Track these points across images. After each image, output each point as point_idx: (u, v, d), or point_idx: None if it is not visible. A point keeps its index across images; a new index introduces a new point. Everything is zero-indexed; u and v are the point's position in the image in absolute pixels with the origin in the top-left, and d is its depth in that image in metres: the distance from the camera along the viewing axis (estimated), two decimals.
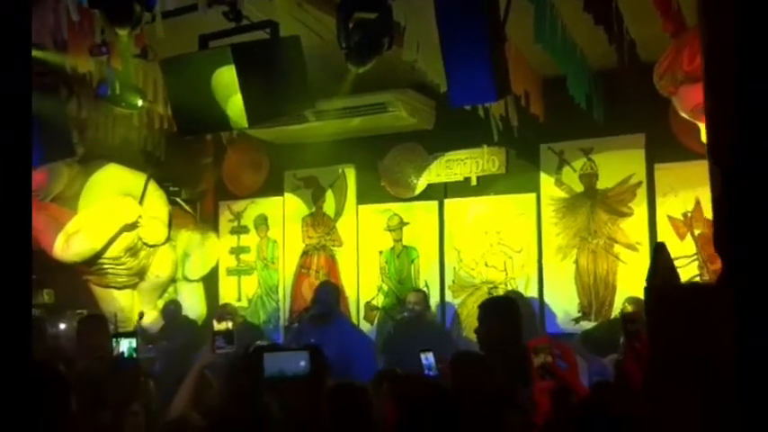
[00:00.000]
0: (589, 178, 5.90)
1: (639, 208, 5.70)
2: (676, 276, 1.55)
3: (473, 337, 6.17)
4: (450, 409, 2.19)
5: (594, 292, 5.79)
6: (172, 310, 6.91)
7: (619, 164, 5.78)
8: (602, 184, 5.85)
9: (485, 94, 3.57)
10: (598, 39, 4.27)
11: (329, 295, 5.50)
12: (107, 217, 6.81)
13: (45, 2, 4.01)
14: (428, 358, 3.15)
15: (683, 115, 4.52)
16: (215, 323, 2.83)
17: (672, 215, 5.58)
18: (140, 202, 7.06)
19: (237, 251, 7.49)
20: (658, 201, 5.64)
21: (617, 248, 5.73)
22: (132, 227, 6.95)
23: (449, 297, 6.37)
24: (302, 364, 2.07)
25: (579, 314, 5.82)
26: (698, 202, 5.39)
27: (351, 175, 6.95)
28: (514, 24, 3.72)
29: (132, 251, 7.05)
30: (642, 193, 5.70)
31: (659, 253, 1.52)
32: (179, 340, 6.32)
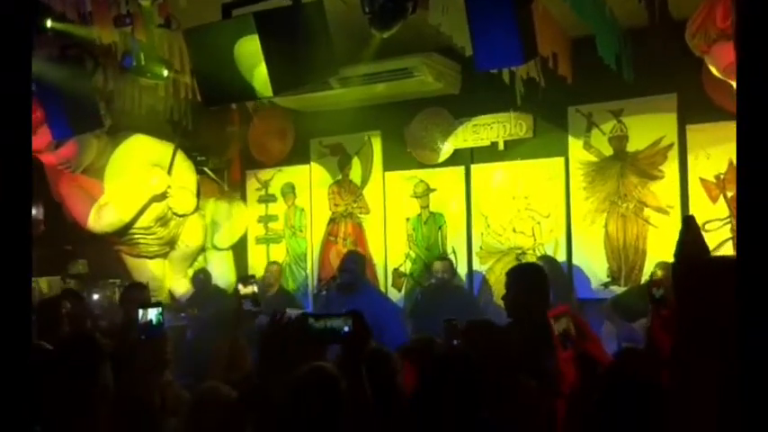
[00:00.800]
0: (619, 141, 5.80)
1: (670, 170, 5.59)
2: (705, 250, 1.51)
3: (501, 303, 6.22)
4: (468, 376, 2.20)
5: (624, 257, 5.73)
6: (201, 279, 7.01)
7: (649, 125, 5.67)
8: (633, 146, 5.74)
9: (511, 56, 3.51)
10: None
11: (356, 264, 5.51)
12: (136, 187, 6.89)
13: None
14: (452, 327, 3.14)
15: (717, 74, 4.40)
16: (240, 287, 2.86)
17: (704, 177, 5.47)
18: (169, 172, 7.13)
19: (265, 219, 7.55)
20: (690, 163, 5.53)
21: (647, 212, 5.65)
22: (161, 197, 7.03)
23: (476, 263, 6.35)
24: (346, 329, 2.10)
25: (609, 279, 5.77)
26: (731, 164, 5.26)
27: (377, 141, 6.92)
28: None
29: (162, 221, 7.14)
30: (673, 155, 5.59)
31: (688, 226, 1.48)
32: (209, 308, 6.42)
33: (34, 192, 7.76)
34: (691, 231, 1.50)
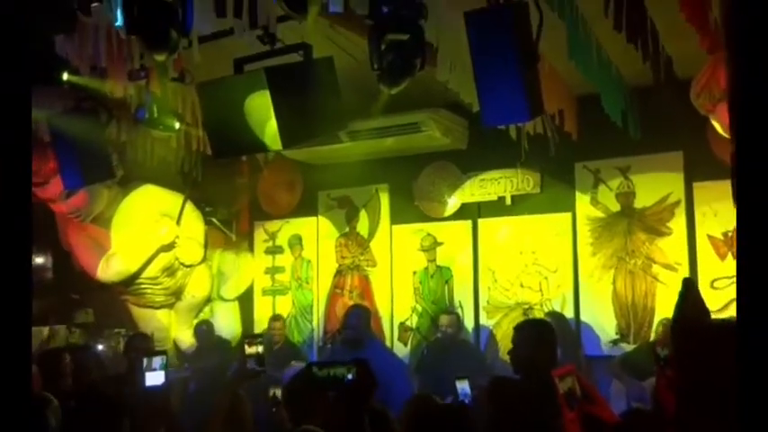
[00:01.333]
0: (626, 197, 5.82)
1: (678, 227, 5.59)
2: (705, 312, 1.50)
3: (508, 358, 6.13)
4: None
5: (633, 314, 5.68)
6: (204, 331, 6.97)
7: (656, 182, 5.69)
8: (640, 202, 5.75)
9: (517, 113, 3.54)
10: (633, 55, 4.22)
11: (359, 319, 5.43)
12: (145, 238, 6.93)
13: (84, 30, 4.11)
14: (464, 386, 3.11)
15: (722, 132, 4.44)
16: (246, 347, 2.82)
17: (712, 234, 5.45)
18: (177, 223, 7.17)
19: (272, 271, 7.54)
20: (698, 220, 5.53)
21: (655, 269, 5.62)
22: (169, 247, 7.06)
23: (483, 318, 6.30)
24: (349, 377, 2.07)
25: (617, 336, 5.71)
26: None
27: (384, 195, 6.96)
28: (548, 42, 3.70)
29: (169, 271, 7.15)
30: (681, 211, 5.59)
31: (687, 288, 1.48)
32: (213, 360, 6.37)
33: (43, 240, 7.84)
34: (690, 294, 1.49)
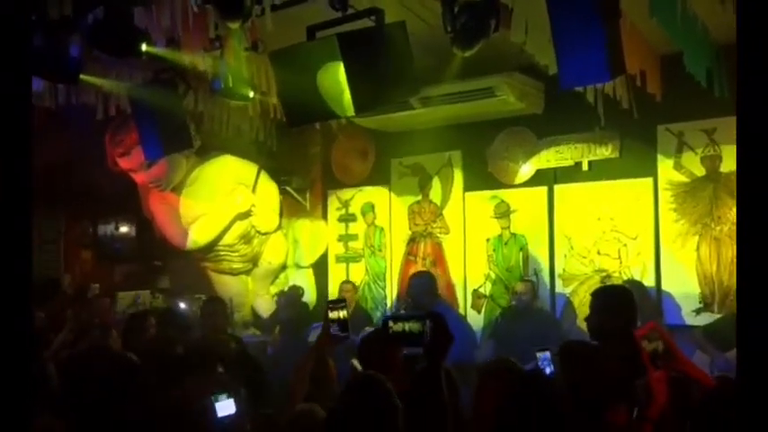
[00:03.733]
0: (712, 161, 5.55)
1: None
2: None
3: (584, 327, 6.01)
4: (551, 403, 2.11)
5: (717, 282, 5.45)
6: (293, 295, 7.07)
7: None
8: (726, 166, 5.47)
9: (597, 74, 3.42)
10: (722, 8, 3.98)
11: (419, 288, 5.42)
12: (222, 206, 7.11)
13: (161, 1, 4.18)
14: (545, 356, 3.06)
15: None
16: (329, 312, 2.82)
17: None
18: (253, 191, 7.32)
19: (345, 238, 7.61)
20: None
21: None
22: (246, 215, 7.22)
23: (559, 286, 6.19)
24: (425, 331, 2.05)
25: (701, 305, 5.50)
26: None
27: (457, 161, 6.88)
28: None
29: (246, 238, 7.33)
30: None
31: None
32: (290, 313, 6.49)
33: (127, 209, 8.13)
34: None
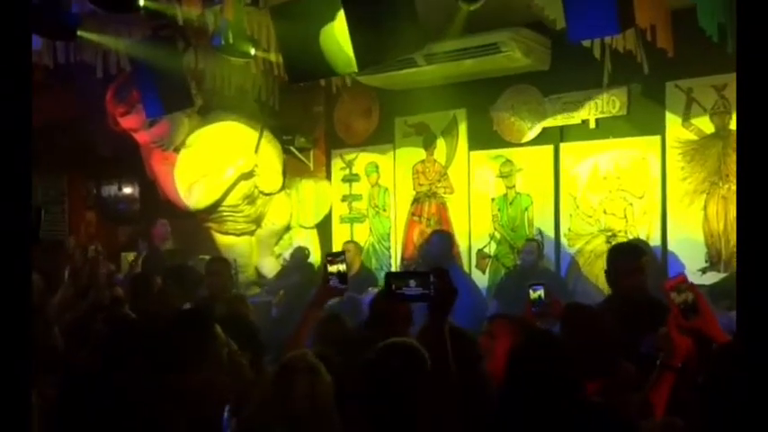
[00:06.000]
0: (721, 117, 5.45)
1: None
2: None
3: (590, 286, 5.99)
4: (566, 355, 2.10)
5: (724, 241, 5.40)
6: (301, 256, 7.07)
7: None
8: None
9: (606, 26, 3.34)
10: None
11: (439, 246, 5.42)
12: (225, 166, 7.05)
13: None
14: (537, 290, 3.06)
15: None
16: (328, 265, 2.81)
17: None
18: (256, 152, 7.26)
19: (349, 199, 7.57)
20: None
21: None
22: (249, 175, 7.18)
23: (564, 245, 6.16)
24: (429, 287, 2.03)
25: (707, 264, 5.47)
26: None
27: (462, 120, 6.80)
28: None
29: (249, 199, 7.30)
30: None
31: None
32: (296, 278, 6.51)
33: (130, 170, 8.09)
34: None
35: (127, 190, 8.72)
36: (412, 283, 2.05)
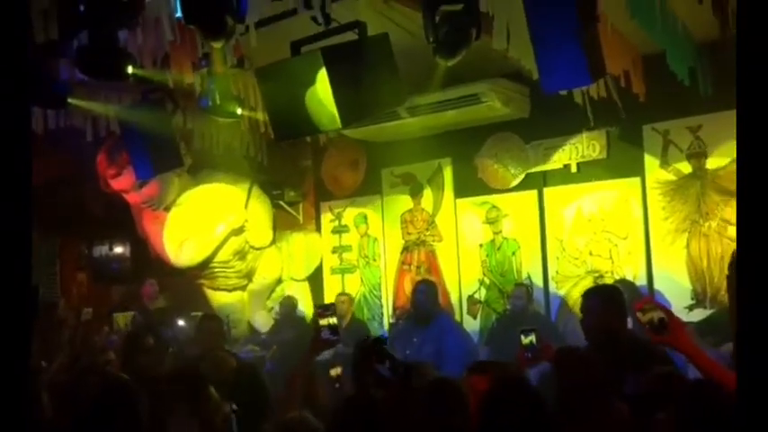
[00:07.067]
0: (698, 158, 5.61)
1: None
2: None
3: (580, 329, 6.04)
4: (531, 402, 2.14)
5: (709, 278, 5.49)
6: (289, 306, 7.10)
7: (730, 140, 5.45)
8: (713, 163, 5.53)
9: (578, 77, 3.46)
10: (701, 8, 4.05)
11: (426, 295, 5.49)
12: (215, 223, 7.13)
13: (146, 23, 4.22)
14: (528, 335, 3.10)
15: None
16: (319, 318, 2.87)
17: None
18: (245, 207, 7.35)
19: (340, 250, 7.64)
20: None
21: (731, 230, 5.40)
22: (239, 231, 7.25)
23: (553, 288, 6.22)
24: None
25: (693, 301, 5.54)
26: None
27: (447, 169, 6.93)
28: (610, 0, 3.58)
29: (240, 254, 7.35)
30: None
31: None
32: (291, 334, 6.51)
33: (121, 230, 8.12)
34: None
35: (118, 249, 8.75)
36: (387, 363, 2.12)
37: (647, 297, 2.72)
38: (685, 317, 5.42)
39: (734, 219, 5.36)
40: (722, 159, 5.48)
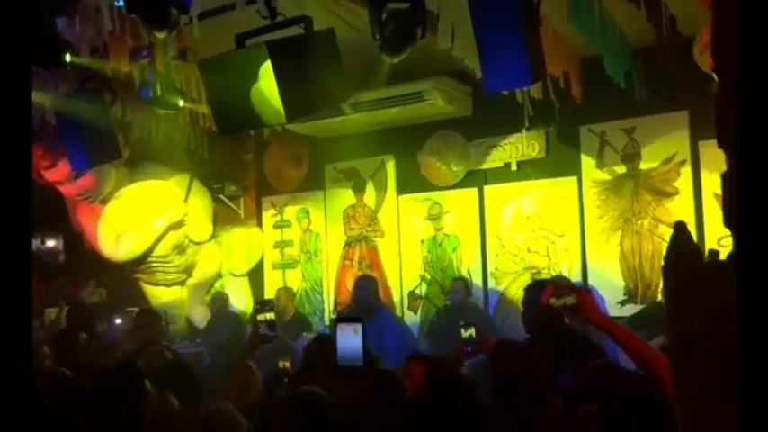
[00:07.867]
0: (632, 159, 5.81)
1: (684, 187, 5.59)
2: (697, 256, 1.50)
3: (518, 322, 6.19)
4: (456, 392, 2.21)
5: (640, 275, 5.71)
6: (218, 302, 7.04)
7: (662, 143, 5.67)
8: (646, 164, 5.75)
9: (520, 78, 3.54)
10: (637, 15, 4.20)
11: (366, 290, 5.54)
12: (154, 217, 6.98)
13: (85, 11, 4.11)
14: (468, 329, 3.15)
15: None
16: (257, 314, 2.88)
17: (718, 193, 5.42)
18: (185, 201, 7.22)
19: (281, 245, 7.60)
20: (704, 179, 5.52)
21: (662, 229, 5.63)
22: (178, 225, 7.12)
23: (492, 284, 6.35)
24: None
25: (625, 297, 5.75)
26: None
27: (390, 165, 6.98)
28: (550, 4, 3.67)
29: (179, 249, 7.23)
30: (687, 171, 5.59)
31: (678, 230, 1.48)
32: (226, 333, 6.45)
33: (54, 222, 7.89)
34: (681, 237, 1.49)
35: (51, 243, 8.49)
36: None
37: (558, 282, 2.82)
38: (618, 312, 5.64)
39: (664, 217, 5.60)
40: (654, 160, 5.70)
